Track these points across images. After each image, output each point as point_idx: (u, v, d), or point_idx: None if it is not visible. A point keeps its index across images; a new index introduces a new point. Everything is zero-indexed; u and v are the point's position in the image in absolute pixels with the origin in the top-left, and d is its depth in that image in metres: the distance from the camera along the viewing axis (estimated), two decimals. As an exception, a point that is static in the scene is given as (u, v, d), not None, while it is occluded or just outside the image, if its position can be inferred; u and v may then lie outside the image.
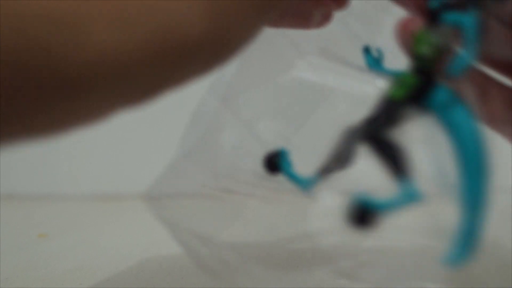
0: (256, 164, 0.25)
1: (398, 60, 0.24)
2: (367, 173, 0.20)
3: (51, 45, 0.14)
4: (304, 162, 0.24)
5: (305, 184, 0.23)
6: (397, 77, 0.21)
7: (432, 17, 0.21)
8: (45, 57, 0.14)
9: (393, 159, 0.19)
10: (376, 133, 0.19)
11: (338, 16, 0.25)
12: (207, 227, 0.25)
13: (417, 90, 0.20)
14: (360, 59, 0.25)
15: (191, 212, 0.26)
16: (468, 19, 0.20)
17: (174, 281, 0.29)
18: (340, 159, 0.21)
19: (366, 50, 0.25)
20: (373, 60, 0.25)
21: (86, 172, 0.53)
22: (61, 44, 0.14)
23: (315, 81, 0.25)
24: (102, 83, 0.16)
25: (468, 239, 0.18)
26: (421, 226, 0.20)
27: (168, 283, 0.29)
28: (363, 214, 0.18)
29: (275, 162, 0.24)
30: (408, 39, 0.23)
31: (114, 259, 0.33)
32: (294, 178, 0.24)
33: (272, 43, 0.25)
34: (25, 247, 0.37)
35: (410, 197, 0.18)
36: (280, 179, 0.24)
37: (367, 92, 0.23)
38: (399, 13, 0.24)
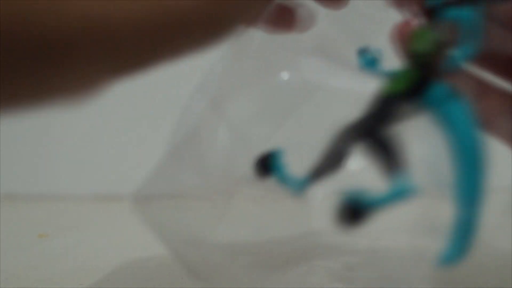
0: (246, 165, 0.24)
1: (392, 62, 0.24)
2: (361, 173, 0.20)
3: (32, 11, 0.14)
4: (297, 163, 0.24)
5: (296, 186, 0.23)
6: (394, 73, 0.21)
7: (430, 15, 0.21)
8: (26, 23, 0.14)
9: (386, 154, 0.19)
10: (372, 130, 0.19)
11: (333, 15, 0.25)
12: (195, 229, 0.25)
13: (415, 84, 0.20)
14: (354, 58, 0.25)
15: (179, 214, 0.26)
16: (467, 13, 0.20)
17: (174, 281, 0.29)
18: (333, 159, 0.21)
19: (361, 52, 0.25)
20: (369, 62, 0.25)
21: (86, 172, 0.53)
22: (42, 10, 0.14)
23: (307, 81, 0.24)
24: (86, 50, 0.15)
25: (464, 236, 0.18)
26: (414, 226, 0.20)
27: (168, 283, 0.29)
28: (354, 211, 0.17)
29: (266, 164, 0.24)
30: (404, 40, 0.23)
31: (114, 259, 0.33)
32: (285, 181, 0.23)
33: (261, 43, 0.24)
34: (25, 247, 0.37)
35: (402, 192, 0.18)
36: (271, 180, 0.24)
37: (361, 91, 0.23)
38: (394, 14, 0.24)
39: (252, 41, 0.20)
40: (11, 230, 0.41)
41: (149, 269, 0.31)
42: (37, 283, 0.31)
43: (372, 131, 0.19)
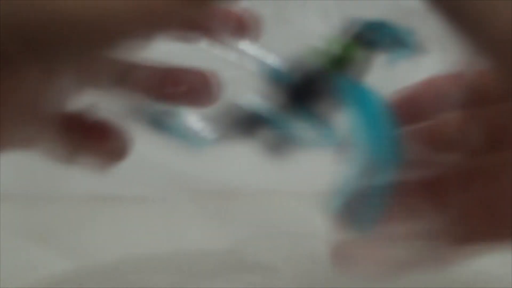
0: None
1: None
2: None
3: None
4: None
5: (197, 143, 0.23)
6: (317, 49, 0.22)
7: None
8: None
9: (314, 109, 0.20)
10: (302, 98, 0.20)
11: None
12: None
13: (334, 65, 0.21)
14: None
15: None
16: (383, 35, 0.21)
17: (174, 281, 0.29)
18: (245, 123, 0.21)
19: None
20: None
21: (86, 172, 0.53)
22: None
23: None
24: None
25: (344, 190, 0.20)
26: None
27: (167, 283, 0.29)
28: (281, 142, 0.19)
29: (163, 120, 0.24)
30: None
31: (114, 259, 0.33)
32: (184, 137, 0.23)
33: None
34: (25, 247, 0.38)
35: (326, 140, 0.19)
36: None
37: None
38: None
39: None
40: (11, 230, 0.41)
41: (149, 269, 0.31)
42: (37, 283, 0.31)
43: (296, 99, 0.20)
